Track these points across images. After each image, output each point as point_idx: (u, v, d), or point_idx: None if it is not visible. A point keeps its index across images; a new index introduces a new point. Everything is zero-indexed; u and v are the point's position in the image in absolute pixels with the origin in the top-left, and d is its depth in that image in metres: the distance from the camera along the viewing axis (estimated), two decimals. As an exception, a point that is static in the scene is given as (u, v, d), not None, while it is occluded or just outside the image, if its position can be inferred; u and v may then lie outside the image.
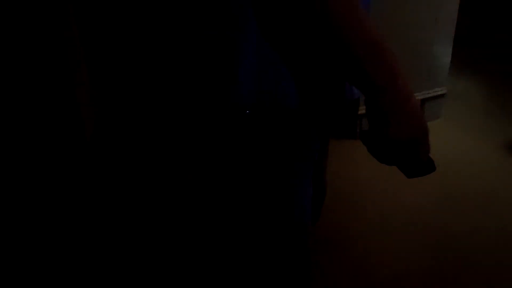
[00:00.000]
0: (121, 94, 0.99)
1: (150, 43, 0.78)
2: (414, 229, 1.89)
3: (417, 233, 1.87)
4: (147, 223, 1.84)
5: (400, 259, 1.74)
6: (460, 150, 2.41)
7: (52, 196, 2.01)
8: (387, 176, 1.72)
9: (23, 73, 2.08)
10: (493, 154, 2.36)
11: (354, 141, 2.32)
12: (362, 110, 2.33)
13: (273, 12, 0.67)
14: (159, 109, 0.83)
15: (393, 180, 1.99)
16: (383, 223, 1.93)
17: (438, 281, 1.64)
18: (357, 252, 1.78)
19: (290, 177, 0.83)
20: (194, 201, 1.70)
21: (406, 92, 0.66)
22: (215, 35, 0.70)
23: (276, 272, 0.93)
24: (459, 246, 1.79)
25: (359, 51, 0.61)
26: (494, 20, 3.88)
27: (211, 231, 1.71)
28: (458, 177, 2.19)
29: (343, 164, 2.24)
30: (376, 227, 1.91)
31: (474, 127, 2.59)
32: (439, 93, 2.66)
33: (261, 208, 0.85)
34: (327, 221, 1.86)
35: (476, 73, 3.24)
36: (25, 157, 2.15)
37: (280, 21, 0.67)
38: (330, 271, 1.67)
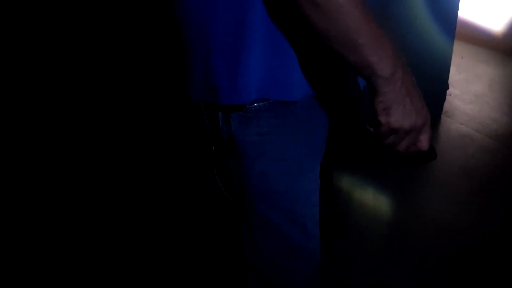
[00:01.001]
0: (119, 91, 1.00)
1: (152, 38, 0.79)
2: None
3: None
4: (144, 221, 1.84)
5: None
6: (462, 145, 2.42)
7: (51, 195, 2.02)
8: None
9: (22, 75, 2.09)
10: (498, 151, 2.37)
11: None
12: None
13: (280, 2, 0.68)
14: (159, 103, 0.85)
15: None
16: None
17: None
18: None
19: (296, 169, 0.84)
20: (197, 196, 1.70)
21: (408, 82, 0.69)
22: (222, 25, 0.72)
23: (285, 259, 0.94)
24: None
25: (363, 42, 0.64)
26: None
27: (215, 226, 1.72)
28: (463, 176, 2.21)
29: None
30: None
31: (476, 124, 2.60)
32: (441, 90, 2.68)
33: (268, 200, 0.86)
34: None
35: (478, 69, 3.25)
36: (25, 157, 2.15)
37: (288, 9, 0.67)
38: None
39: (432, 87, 2.64)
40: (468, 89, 2.98)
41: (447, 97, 2.73)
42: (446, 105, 2.72)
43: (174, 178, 2.08)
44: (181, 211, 1.94)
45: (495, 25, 3.52)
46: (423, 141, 0.73)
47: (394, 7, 2.31)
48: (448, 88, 2.68)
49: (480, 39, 3.56)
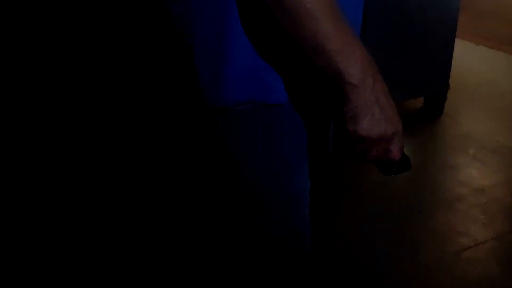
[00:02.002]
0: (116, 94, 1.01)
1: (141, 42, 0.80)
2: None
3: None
4: (142, 222, 1.84)
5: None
6: (463, 145, 2.41)
7: (51, 195, 2.02)
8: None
9: (22, 75, 2.10)
10: (499, 151, 2.37)
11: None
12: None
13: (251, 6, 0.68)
14: (148, 108, 0.86)
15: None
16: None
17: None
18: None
19: (284, 171, 0.84)
20: (190, 198, 1.71)
21: (379, 90, 0.68)
22: (203, 28, 0.72)
23: (275, 262, 0.94)
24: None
25: (331, 47, 0.63)
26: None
27: (205, 228, 1.72)
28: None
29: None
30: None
31: (478, 124, 2.60)
32: (442, 90, 2.67)
33: (256, 202, 0.87)
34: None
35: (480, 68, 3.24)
36: (24, 157, 2.16)
37: (258, 14, 0.68)
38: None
39: (434, 86, 2.64)
40: (469, 89, 2.97)
41: (448, 97, 2.72)
42: (447, 105, 2.71)
43: (172, 178, 2.08)
44: (179, 211, 1.94)
45: (498, 24, 3.51)
46: (394, 151, 0.72)
47: (396, 6, 2.31)
48: (449, 88, 2.68)
49: (482, 38, 3.55)
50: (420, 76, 2.53)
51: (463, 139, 2.47)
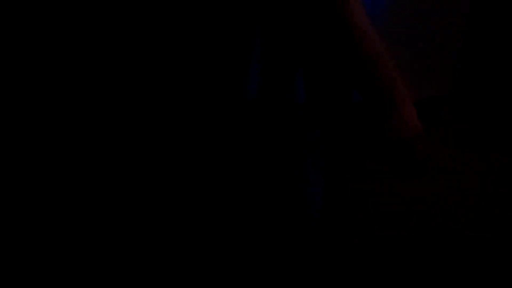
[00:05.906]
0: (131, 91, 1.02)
1: (168, 42, 0.82)
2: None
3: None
4: (147, 222, 1.84)
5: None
6: (472, 146, 2.41)
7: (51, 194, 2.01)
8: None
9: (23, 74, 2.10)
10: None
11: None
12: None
13: (293, 14, 0.70)
14: (166, 106, 0.87)
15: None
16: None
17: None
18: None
19: (297, 172, 0.85)
20: (198, 197, 1.71)
21: (403, 95, 0.70)
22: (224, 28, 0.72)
23: (283, 266, 0.94)
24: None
25: (366, 58, 0.66)
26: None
27: (214, 228, 1.72)
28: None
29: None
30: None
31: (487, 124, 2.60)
32: (443, 94, 2.67)
33: (267, 203, 0.87)
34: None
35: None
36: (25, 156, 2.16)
37: (295, 23, 0.70)
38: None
39: (442, 88, 2.64)
40: (478, 90, 2.96)
41: (456, 99, 2.72)
42: (455, 106, 2.71)
43: (175, 177, 2.07)
44: (181, 211, 1.93)
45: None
46: (414, 155, 0.74)
47: (404, 6, 2.30)
48: (457, 89, 2.67)
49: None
50: (429, 76, 2.53)
51: (471, 139, 2.46)
